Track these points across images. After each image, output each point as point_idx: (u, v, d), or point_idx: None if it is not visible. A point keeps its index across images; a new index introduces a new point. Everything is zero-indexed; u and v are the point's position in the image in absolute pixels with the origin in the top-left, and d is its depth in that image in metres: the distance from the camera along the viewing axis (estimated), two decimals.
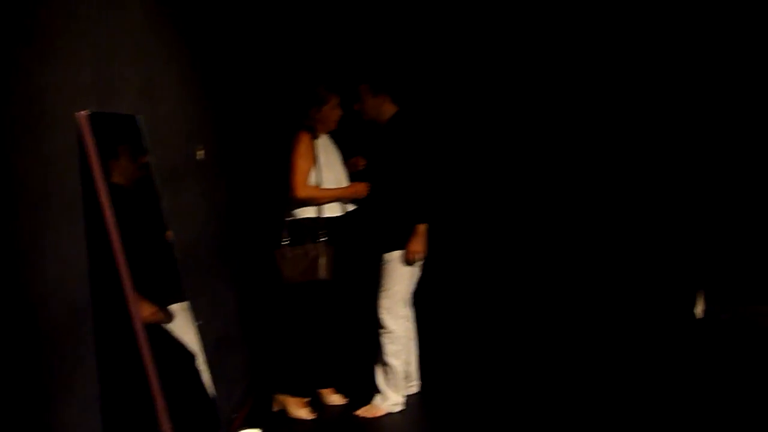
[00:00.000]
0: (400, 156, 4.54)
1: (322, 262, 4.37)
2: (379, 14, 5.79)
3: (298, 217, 4.46)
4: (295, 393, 4.63)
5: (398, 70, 5.20)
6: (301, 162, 4.41)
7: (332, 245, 4.46)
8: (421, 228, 4.54)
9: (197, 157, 4.21)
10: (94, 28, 3.00)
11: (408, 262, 4.54)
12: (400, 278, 4.58)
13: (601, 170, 5.71)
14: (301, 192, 4.39)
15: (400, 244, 4.55)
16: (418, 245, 4.53)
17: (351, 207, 4.62)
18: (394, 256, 4.56)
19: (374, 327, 4.66)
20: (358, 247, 4.80)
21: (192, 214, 4.06)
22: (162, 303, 3.30)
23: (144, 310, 3.03)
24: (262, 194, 4.67)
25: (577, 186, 5.78)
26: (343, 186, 4.55)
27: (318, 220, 4.44)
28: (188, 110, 4.03)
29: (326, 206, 4.47)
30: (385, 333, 4.61)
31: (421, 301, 4.78)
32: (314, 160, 4.45)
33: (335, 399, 4.85)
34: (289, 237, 4.44)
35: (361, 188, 4.57)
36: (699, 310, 4.93)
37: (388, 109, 4.62)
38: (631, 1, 5.52)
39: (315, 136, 4.50)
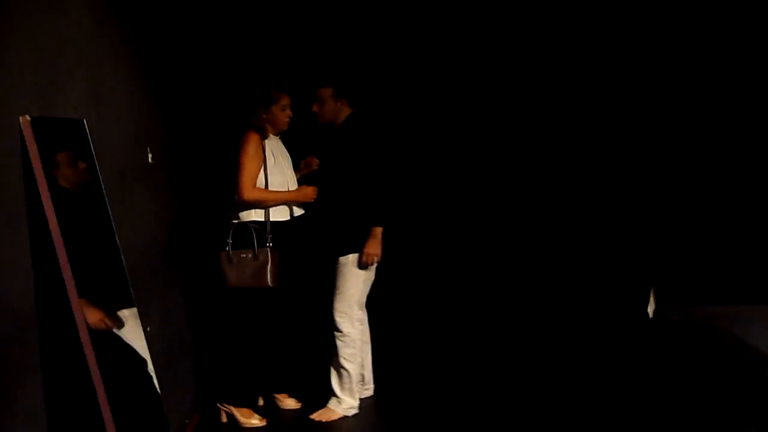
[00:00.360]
0: (355, 158, 4.52)
1: (269, 268, 4.28)
2: (334, 14, 5.75)
3: (245, 220, 4.38)
4: (239, 403, 4.56)
5: (357, 73, 5.19)
6: (248, 163, 4.33)
7: (279, 250, 4.39)
8: (377, 231, 4.53)
9: (148, 161, 4.17)
10: (37, 31, 2.96)
11: (363, 265, 4.54)
12: (355, 281, 4.57)
13: (552, 165, 5.75)
14: (248, 194, 4.31)
15: (356, 246, 4.54)
16: (374, 248, 4.52)
17: (299, 211, 4.55)
18: (350, 259, 4.55)
19: (327, 330, 4.65)
20: (307, 252, 4.77)
21: (142, 218, 4.02)
22: (110, 309, 3.26)
23: (91, 316, 3.00)
24: (212, 197, 4.61)
25: (527, 184, 5.82)
26: (291, 189, 4.48)
27: (265, 224, 4.36)
28: (137, 113, 3.98)
29: (273, 210, 4.40)
30: (339, 336, 4.61)
31: (375, 303, 4.78)
32: (262, 161, 4.37)
33: (289, 403, 4.84)
34: (234, 240, 4.35)
35: (309, 192, 4.51)
36: (651, 309, 4.98)
37: (344, 112, 4.60)
38: (629, 1, 5.51)
39: (264, 137, 4.41)
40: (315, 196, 4.55)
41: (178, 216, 4.55)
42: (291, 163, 4.61)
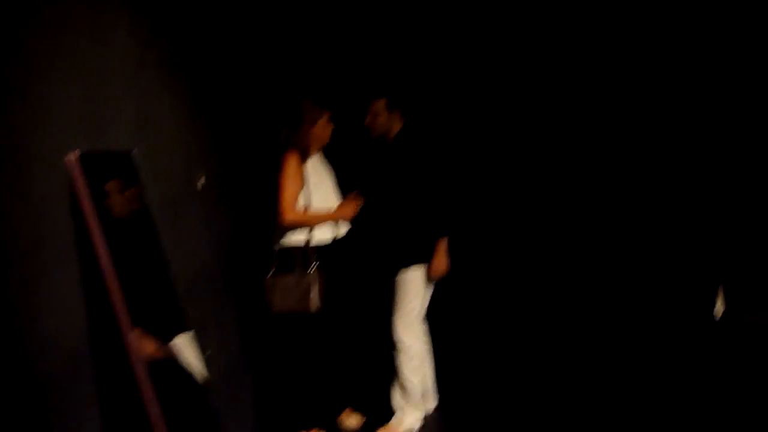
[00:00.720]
0: (416, 170, 4.44)
1: (314, 292, 4.19)
2: (379, 27, 5.67)
3: (288, 244, 4.29)
4: (300, 428, 4.49)
5: (411, 84, 5.10)
6: (289, 184, 4.21)
7: (324, 272, 4.28)
8: (443, 243, 4.46)
9: (198, 186, 4.17)
10: (82, 66, 3.00)
11: (430, 278, 4.49)
12: (416, 295, 4.50)
13: (615, 167, 5.59)
14: (289, 216, 4.21)
15: (419, 258, 4.46)
16: (442, 262, 4.46)
17: (343, 229, 4.44)
18: (413, 272, 4.48)
19: (385, 347, 4.59)
20: (356, 270, 4.66)
21: (195, 243, 4.04)
22: (166, 337, 3.27)
23: (147, 347, 3.02)
24: (264, 219, 4.55)
25: (590, 183, 5.67)
26: (331, 207, 4.37)
27: (308, 246, 4.28)
28: (186, 138, 3.99)
29: (317, 231, 4.30)
30: (402, 350, 4.55)
31: (434, 314, 4.71)
32: (304, 181, 4.28)
33: (352, 422, 4.79)
34: (279, 264, 4.27)
35: (350, 209, 4.40)
36: (718, 309, 4.83)
37: (396, 124, 4.53)
38: (631, 2, 5.40)
39: (305, 156, 4.31)
40: (356, 211, 4.44)
41: (232, 239, 4.53)
42: (333, 180, 4.52)
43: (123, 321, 2.82)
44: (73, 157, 2.79)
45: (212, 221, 4.27)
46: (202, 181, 4.15)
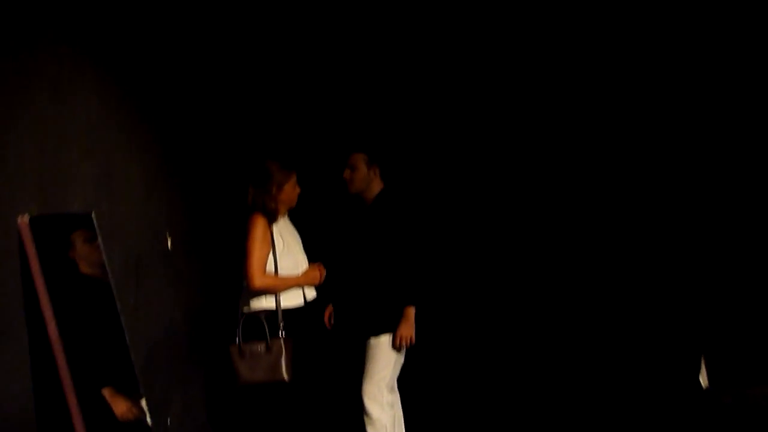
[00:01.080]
0: (388, 236, 4.34)
1: (284, 360, 4.04)
2: (358, 80, 5.60)
3: (255, 309, 4.14)
4: None
5: (391, 141, 5.03)
6: (256, 248, 4.07)
7: (292, 339, 4.13)
8: (410, 311, 4.33)
9: (168, 245, 4.12)
10: (40, 124, 2.92)
11: (397, 347, 4.34)
12: (386, 363, 4.36)
13: (599, 227, 5.51)
14: (258, 282, 4.06)
15: (388, 327, 4.34)
16: (407, 329, 4.32)
17: (312, 294, 4.29)
18: (382, 340, 4.34)
19: (355, 417, 4.46)
20: (325, 337, 4.53)
21: (159, 306, 3.96)
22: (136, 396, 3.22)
23: (118, 407, 3.02)
24: (232, 283, 4.44)
25: (565, 260, 5.56)
26: (299, 272, 4.24)
27: (276, 313, 4.11)
28: (154, 199, 3.94)
29: (285, 295, 4.15)
30: (369, 422, 4.41)
31: (407, 383, 4.58)
32: (271, 245, 4.15)
33: None
34: (245, 332, 4.10)
35: (316, 274, 4.26)
36: (703, 380, 4.71)
37: (377, 185, 4.44)
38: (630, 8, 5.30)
39: (272, 219, 4.18)
40: (324, 277, 4.31)
41: (199, 303, 4.46)
42: (301, 243, 4.38)
43: (66, 386, 2.71)
44: (23, 219, 2.71)
45: (179, 283, 4.19)
46: (170, 241, 4.10)
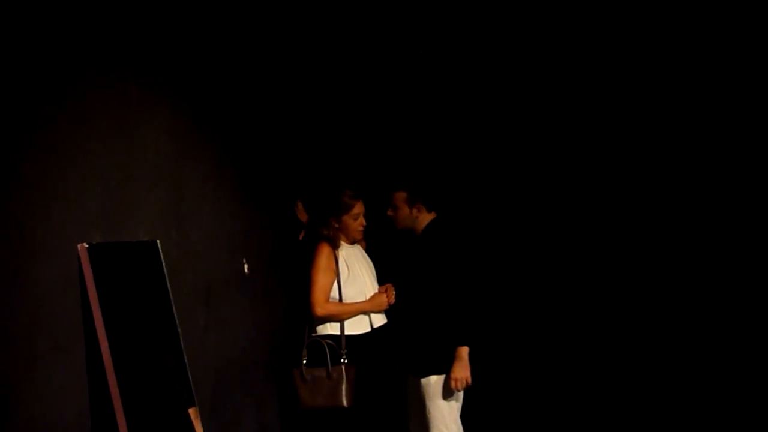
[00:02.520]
0: (438, 270, 4.25)
1: (344, 387, 4.16)
2: (408, 114, 5.64)
3: (320, 334, 4.29)
4: None
5: (434, 176, 4.95)
6: (320, 276, 4.26)
7: (356, 366, 4.23)
8: (463, 351, 4.17)
9: (245, 270, 4.29)
10: (107, 156, 3.13)
11: (450, 390, 4.20)
12: (441, 406, 4.22)
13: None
14: (320, 309, 4.24)
15: (439, 368, 4.21)
16: (461, 371, 4.15)
17: (380, 321, 4.40)
18: (432, 382, 4.22)
19: None
20: (389, 366, 4.47)
21: (234, 332, 4.14)
22: None
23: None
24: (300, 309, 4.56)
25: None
26: (366, 298, 4.35)
27: (340, 339, 4.26)
28: (226, 227, 4.12)
29: (350, 322, 4.29)
30: None
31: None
32: (335, 273, 4.32)
33: None
34: (310, 356, 4.26)
35: (383, 299, 4.36)
36: None
37: (424, 218, 4.37)
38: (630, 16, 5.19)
39: (335, 246, 4.35)
40: (391, 302, 4.39)
41: (276, 326, 4.62)
42: (373, 270, 4.51)
43: (119, 416, 2.90)
44: (83, 246, 2.93)
45: (256, 307, 4.36)
46: (247, 266, 4.27)
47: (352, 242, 4.45)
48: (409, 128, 5.63)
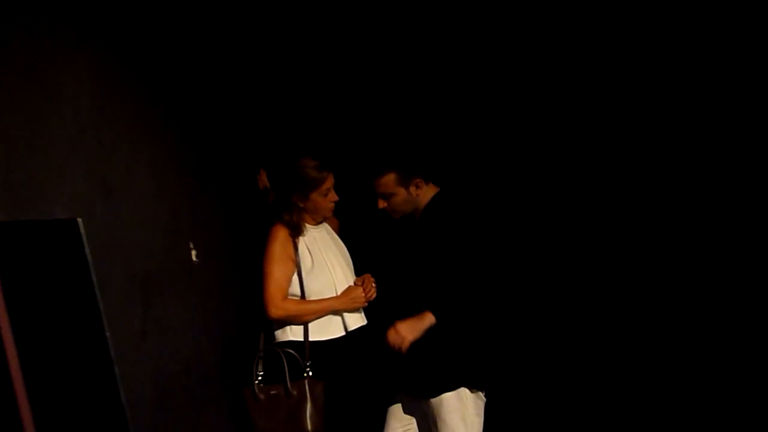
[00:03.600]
0: (444, 254, 3.53)
1: (308, 407, 3.55)
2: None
3: (278, 341, 3.69)
4: None
5: (430, 142, 4.41)
6: (275, 268, 3.63)
7: (323, 380, 3.62)
8: (427, 318, 3.47)
9: (193, 257, 3.75)
10: (11, 109, 2.57)
11: (468, 406, 3.51)
12: (459, 424, 3.51)
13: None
14: (275, 310, 3.62)
15: (451, 382, 3.51)
16: (409, 330, 3.45)
17: (357, 322, 3.76)
18: (445, 402, 3.51)
19: None
20: (371, 380, 3.81)
21: (176, 331, 3.57)
22: None
23: None
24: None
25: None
26: (336, 293, 3.72)
27: (303, 347, 3.62)
28: (169, 199, 3.57)
29: (315, 325, 3.66)
30: None
31: None
32: (295, 263, 3.67)
33: None
34: (266, 370, 3.65)
35: (357, 294, 3.71)
36: None
37: (426, 194, 3.65)
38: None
39: (297, 233, 3.69)
40: (371, 297, 3.73)
41: (230, 333, 4.07)
42: (348, 257, 3.86)
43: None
44: None
45: (206, 304, 3.82)
46: (195, 253, 3.73)
47: (318, 222, 3.79)
48: (387, 90, 5.12)
